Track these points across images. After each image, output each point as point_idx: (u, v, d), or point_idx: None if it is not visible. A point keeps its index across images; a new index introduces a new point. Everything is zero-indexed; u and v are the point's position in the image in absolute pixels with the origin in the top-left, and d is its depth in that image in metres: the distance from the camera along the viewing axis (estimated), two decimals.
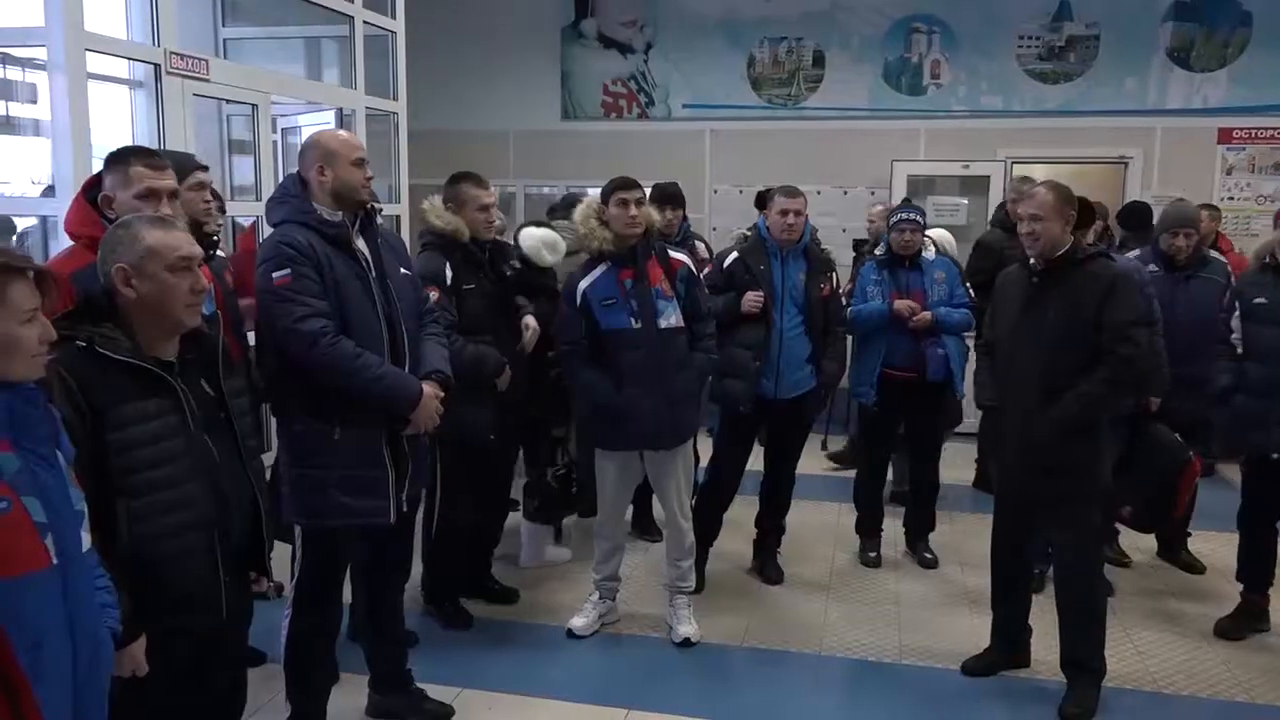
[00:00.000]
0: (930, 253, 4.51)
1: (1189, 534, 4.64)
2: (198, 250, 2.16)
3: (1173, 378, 4.17)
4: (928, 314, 4.37)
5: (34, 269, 1.66)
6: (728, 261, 4.20)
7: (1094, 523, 3.33)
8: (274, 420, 2.94)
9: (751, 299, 4.07)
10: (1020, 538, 3.46)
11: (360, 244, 2.80)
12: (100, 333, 1.97)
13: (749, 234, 4.38)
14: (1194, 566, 4.58)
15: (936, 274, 4.48)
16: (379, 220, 2.93)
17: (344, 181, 2.75)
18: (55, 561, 1.63)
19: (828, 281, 4.25)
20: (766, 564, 4.47)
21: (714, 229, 7.76)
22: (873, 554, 4.66)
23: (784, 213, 4.08)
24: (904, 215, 4.44)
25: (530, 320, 3.81)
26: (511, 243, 4.16)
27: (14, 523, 1.57)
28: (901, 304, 4.36)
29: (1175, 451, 4.06)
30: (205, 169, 3.13)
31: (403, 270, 2.93)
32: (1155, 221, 4.47)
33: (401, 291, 2.86)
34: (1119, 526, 4.47)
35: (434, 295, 3.39)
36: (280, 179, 4.82)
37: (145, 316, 2.04)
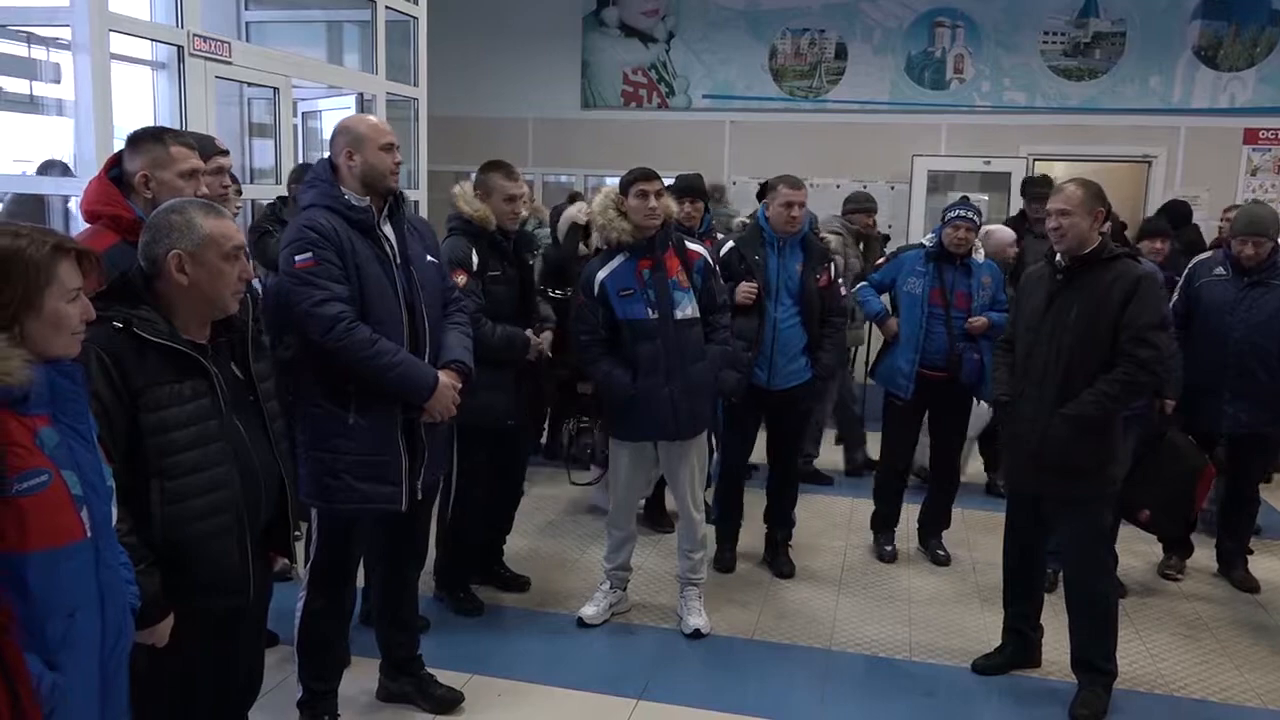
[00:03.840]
0: (980, 255, 4.48)
1: (1250, 551, 4.52)
2: (243, 239, 2.18)
3: (1229, 389, 4.12)
4: (983, 319, 4.38)
5: (78, 249, 1.70)
6: (723, 251, 4.22)
7: (1104, 522, 3.31)
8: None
9: (744, 289, 4.08)
10: (1033, 536, 3.44)
11: (386, 229, 2.81)
12: (138, 315, 1.99)
13: (747, 222, 4.39)
14: (1246, 583, 4.38)
15: (984, 277, 4.45)
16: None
17: (372, 167, 2.76)
18: (89, 534, 1.67)
19: (825, 271, 4.25)
20: (778, 557, 4.48)
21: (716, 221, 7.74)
22: (889, 548, 4.65)
23: (789, 204, 4.09)
24: (960, 212, 4.38)
25: (546, 336, 3.81)
26: (536, 230, 4.18)
27: (55, 495, 1.61)
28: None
29: (1191, 457, 4.04)
30: (226, 153, 3.13)
31: (429, 258, 2.94)
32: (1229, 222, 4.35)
33: (425, 279, 2.87)
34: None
35: (462, 279, 3.41)
36: (299, 162, 4.86)
37: (191, 301, 2.07)
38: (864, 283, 4.69)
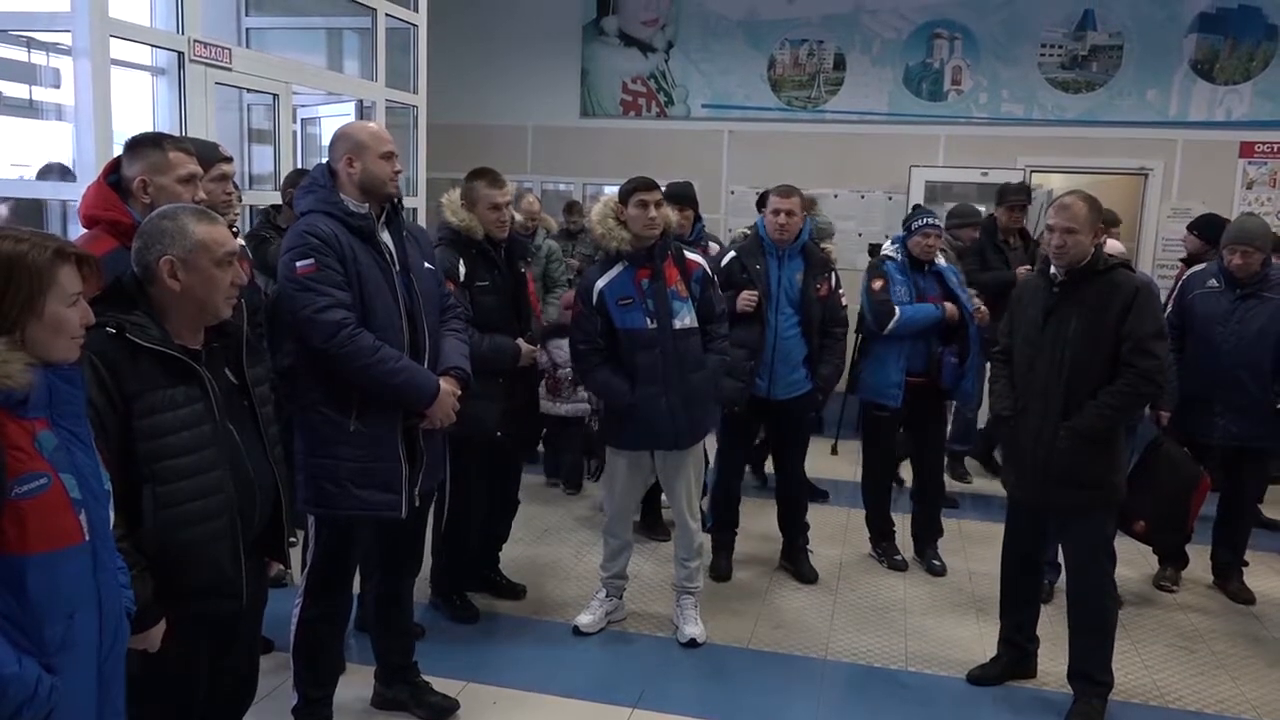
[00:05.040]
0: (941, 259, 4.52)
1: (1245, 563, 4.51)
2: (237, 245, 2.18)
3: (1221, 400, 4.13)
4: (984, 310, 4.46)
5: (79, 254, 1.71)
6: (724, 260, 4.26)
7: (1107, 534, 3.31)
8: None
9: (745, 298, 4.09)
10: (1032, 547, 3.45)
11: (385, 237, 2.81)
12: (130, 320, 1.99)
13: (748, 232, 4.41)
14: (1242, 596, 4.39)
15: (951, 279, 4.50)
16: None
17: (371, 174, 2.76)
18: (87, 538, 1.68)
19: (825, 281, 4.27)
20: (800, 564, 4.49)
21: (729, 230, 7.75)
22: (898, 558, 4.65)
23: (776, 212, 4.13)
24: (930, 220, 4.44)
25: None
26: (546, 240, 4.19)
27: (53, 499, 1.62)
28: (952, 308, 4.37)
29: (1186, 468, 4.05)
30: (229, 160, 3.13)
31: (426, 265, 2.94)
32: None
33: (424, 286, 2.87)
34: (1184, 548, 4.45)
35: (450, 289, 3.40)
36: (295, 168, 4.86)
37: (184, 307, 2.07)
38: (894, 319, 4.33)
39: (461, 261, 3.53)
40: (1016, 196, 5.85)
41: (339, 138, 2.81)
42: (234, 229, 3.19)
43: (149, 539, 1.98)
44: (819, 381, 4.27)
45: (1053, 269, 3.22)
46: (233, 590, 2.13)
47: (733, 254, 4.26)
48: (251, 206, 4.89)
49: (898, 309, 4.34)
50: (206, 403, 2.07)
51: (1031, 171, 7.56)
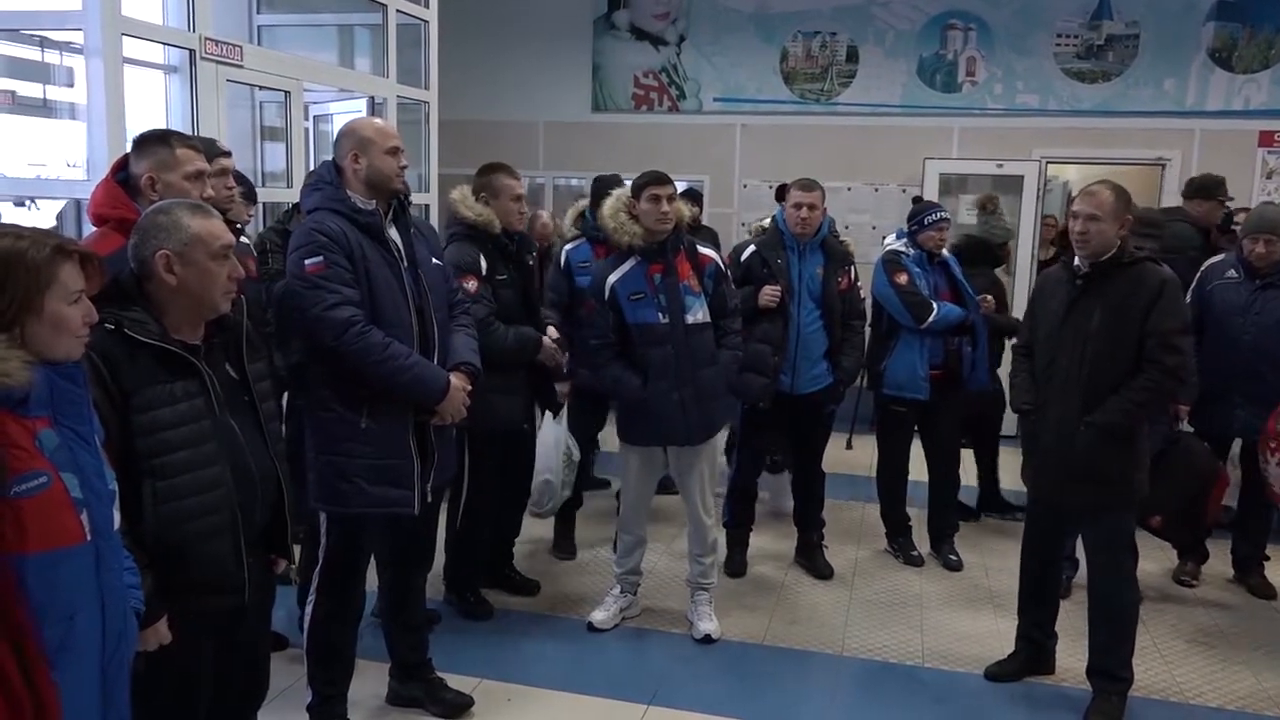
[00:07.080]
0: (944, 250, 4.52)
1: (1266, 557, 4.46)
2: (233, 238, 2.17)
3: (1239, 392, 4.09)
4: (990, 299, 4.51)
5: (81, 252, 1.69)
6: (745, 255, 4.22)
7: (1128, 531, 3.27)
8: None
9: (768, 293, 4.07)
10: (1052, 543, 3.41)
11: (392, 233, 2.80)
12: (129, 316, 1.99)
13: (765, 226, 4.39)
14: (1263, 590, 4.34)
15: (956, 269, 4.50)
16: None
17: (378, 170, 2.75)
18: (89, 538, 1.66)
19: (845, 274, 4.25)
20: (815, 560, 4.48)
21: (743, 224, 7.73)
22: (914, 553, 4.62)
23: (798, 205, 4.10)
24: (943, 214, 4.43)
25: (551, 333, 3.79)
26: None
27: (53, 498, 1.60)
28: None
29: (1205, 462, 4.00)
30: (228, 154, 3.13)
31: (434, 260, 2.94)
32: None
33: (432, 281, 2.87)
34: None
35: (472, 285, 3.40)
36: (311, 166, 4.86)
37: (181, 302, 2.06)
38: (934, 312, 4.30)
39: (481, 255, 3.53)
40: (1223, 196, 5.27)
41: (344, 134, 2.81)
42: (238, 226, 3.18)
43: (149, 535, 1.97)
44: (841, 374, 4.24)
45: (1076, 261, 3.17)
46: (234, 586, 2.12)
47: (752, 248, 4.23)
48: (264, 204, 4.89)
49: (935, 304, 4.32)
50: (206, 398, 2.06)
51: (1047, 163, 7.49)
